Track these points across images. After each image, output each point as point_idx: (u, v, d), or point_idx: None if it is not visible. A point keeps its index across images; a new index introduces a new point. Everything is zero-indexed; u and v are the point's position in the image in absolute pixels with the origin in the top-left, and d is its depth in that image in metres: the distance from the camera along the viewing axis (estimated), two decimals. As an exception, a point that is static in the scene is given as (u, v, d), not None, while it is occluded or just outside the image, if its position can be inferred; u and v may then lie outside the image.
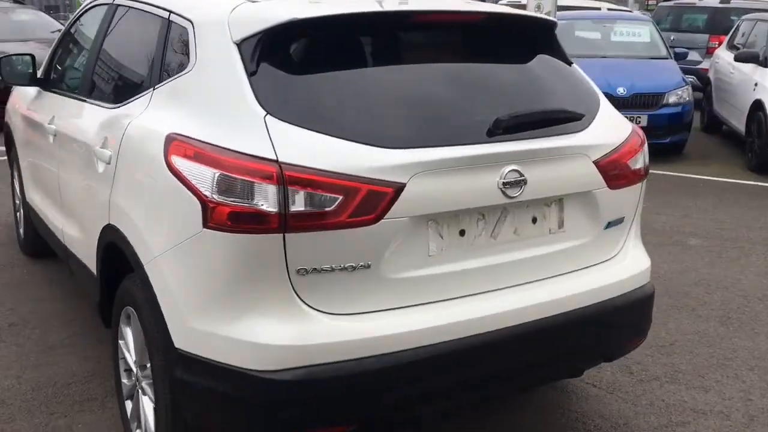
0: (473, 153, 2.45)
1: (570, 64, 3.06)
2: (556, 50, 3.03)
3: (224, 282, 2.30)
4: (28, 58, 4.32)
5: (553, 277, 2.73)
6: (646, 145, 3.00)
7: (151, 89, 2.88)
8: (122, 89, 3.33)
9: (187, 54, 2.71)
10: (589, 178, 2.74)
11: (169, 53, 2.88)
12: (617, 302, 2.84)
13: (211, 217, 2.26)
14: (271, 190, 2.21)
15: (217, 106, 2.48)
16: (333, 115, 2.40)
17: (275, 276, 2.26)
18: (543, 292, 2.67)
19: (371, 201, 2.29)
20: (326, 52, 2.55)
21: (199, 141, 2.37)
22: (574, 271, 2.79)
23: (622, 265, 2.94)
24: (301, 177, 2.23)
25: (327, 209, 2.25)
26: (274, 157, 2.23)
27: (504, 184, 2.49)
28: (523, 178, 2.53)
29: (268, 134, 2.28)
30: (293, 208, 2.22)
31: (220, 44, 2.55)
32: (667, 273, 5.25)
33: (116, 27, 3.59)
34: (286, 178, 2.22)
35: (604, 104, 2.97)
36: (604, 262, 2.89)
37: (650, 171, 3.04)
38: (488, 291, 2.57)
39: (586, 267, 2.83)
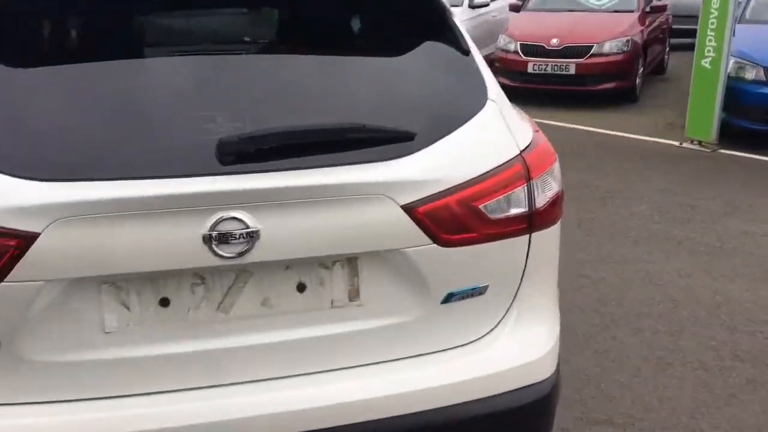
0: (160, 192, 1.65)
1: (467, 53, 2.10)
2: (434, 32, 2.09)
3: None
4: None
5: (339, 370, 1.88)
6: (542, 178, 1.97)
7: None
8: None
9: None
10: (396, 231, 1.81)
11: None
12: (471, 410, 1.92)
13: None
14: None
15: None
16: None
17: None
18: (312, 391, 1.84)
19: None
20: (31, 35, 1.94)
21: None
22: (385, 362, 1.91)
23: (489, 355, 1.98)
24: None
25: None
26: None
27: (211, 238, 1.68)
28: (250, 229, 1.70)
29: None
30: None
31: None
32: None
33: None
34: None
35: (487, 114, 1.98)
36: (450, 349, 1.96)
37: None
38: (210, 386, 1.81)
39: (413, 357, 1.93)
